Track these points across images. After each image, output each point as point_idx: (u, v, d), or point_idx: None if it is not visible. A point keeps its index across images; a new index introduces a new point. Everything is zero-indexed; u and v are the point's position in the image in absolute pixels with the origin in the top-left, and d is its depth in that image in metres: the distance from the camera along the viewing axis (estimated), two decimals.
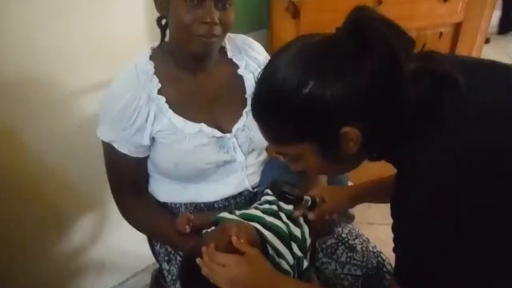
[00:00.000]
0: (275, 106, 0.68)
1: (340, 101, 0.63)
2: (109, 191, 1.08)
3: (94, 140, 1.03)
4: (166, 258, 1.11)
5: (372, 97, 0.64)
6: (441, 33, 1.75)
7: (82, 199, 1.46)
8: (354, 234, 1.11)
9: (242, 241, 0.84)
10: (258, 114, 0.72)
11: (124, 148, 1.00)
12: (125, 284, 1.73)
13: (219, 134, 1.03)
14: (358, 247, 1.07)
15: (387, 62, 0.62)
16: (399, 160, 0.70)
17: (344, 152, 0.68)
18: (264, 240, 0.91)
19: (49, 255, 1.46)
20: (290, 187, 0.95)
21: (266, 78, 0.70)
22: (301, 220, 1.00)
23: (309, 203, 0.96)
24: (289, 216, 0.99)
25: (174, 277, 1.08)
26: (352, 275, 1.05)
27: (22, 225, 1.34)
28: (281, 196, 0.95)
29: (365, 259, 1.06)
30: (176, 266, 1.08)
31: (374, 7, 0.67)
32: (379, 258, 1.06)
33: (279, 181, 0.95)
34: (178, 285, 1.06)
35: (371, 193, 1.03)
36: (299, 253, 0.95)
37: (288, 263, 0.91)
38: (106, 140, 1.00)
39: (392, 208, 0.68)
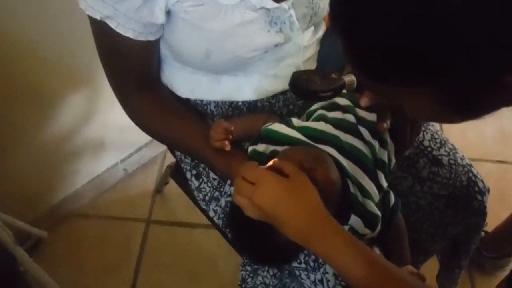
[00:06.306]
0: (392, 20, 0.38)
1: None
2: (100, 65, 0.75)
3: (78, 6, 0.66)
4: (194, 172, 0.85)
5: None
6: None
7: (68, 76, 1.16)
8: (438, 141, 0.85)
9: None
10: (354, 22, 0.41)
11: (125, 28, 0.63)
12: (129, 160, 1.52)
13: (270, 4, 0.66)
14: (445, 160, 0.83)
15: None
16: None
17: (489, 104, 0.44)
18: (343, 173, 0.65)
19: (39, 141, 1.23)
20: (320, 77, 0.62)
21: None
22: (387, 135, 0.72)
23: (355, 83, 0.63)
24: (373, 131, 0.70)
25: (207, 197, 0.83)
26: (433, 194, 0.83)
27: (4, 112, 1.09)
28: (310, 97, 0.66)
29: (452, 175, 0.82)
30: (209, 184, 0.82)
31: None
32: (470, 174, 0.83)
33: (298, 74, 0.63)
34: (212, 206, 0.83)
35: None
36: (385, 184, 0.69)
37: (374, 202, 0.66)
38: (97, 17, 0.62)
39: None
